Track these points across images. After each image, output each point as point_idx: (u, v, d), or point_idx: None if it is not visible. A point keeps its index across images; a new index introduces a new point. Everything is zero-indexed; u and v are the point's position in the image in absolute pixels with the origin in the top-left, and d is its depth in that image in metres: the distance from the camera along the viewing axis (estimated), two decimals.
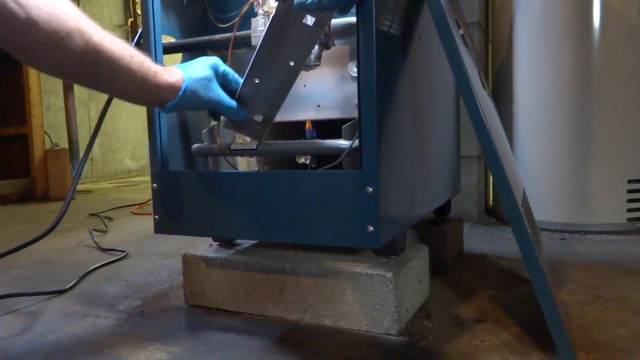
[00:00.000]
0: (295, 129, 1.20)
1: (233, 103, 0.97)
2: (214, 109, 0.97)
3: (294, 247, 1.19)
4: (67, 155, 3.83)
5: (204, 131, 1.21)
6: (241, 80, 0.99)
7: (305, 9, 0.84)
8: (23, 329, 1.12)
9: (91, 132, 1.17)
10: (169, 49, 1.19)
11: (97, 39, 0.76)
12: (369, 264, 1.04)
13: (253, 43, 1.03)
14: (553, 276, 1.33)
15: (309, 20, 0.93)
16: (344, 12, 0.88)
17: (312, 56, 1.03)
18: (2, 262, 1.59)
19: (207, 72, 0.93)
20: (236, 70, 1.02)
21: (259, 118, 1.01)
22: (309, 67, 1.05)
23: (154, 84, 0.85)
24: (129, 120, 5.68)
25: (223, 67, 0.97)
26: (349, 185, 0.92)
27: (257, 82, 0.99)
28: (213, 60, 0.96)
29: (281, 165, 1.31)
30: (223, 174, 1.07)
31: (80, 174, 1.67)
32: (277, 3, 0.93)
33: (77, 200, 3.51)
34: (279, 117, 1.23)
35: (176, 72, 0.89)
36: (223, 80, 0.98)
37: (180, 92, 0.88)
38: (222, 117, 1.05)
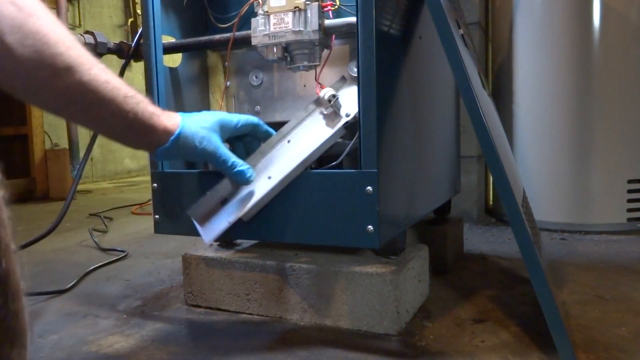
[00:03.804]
0: None
1: (232, 158, 0.88)
2: (209, 161, 0.88)
3: (294, 247, 1.19)
4: (67, 155, 3.83)
5: None
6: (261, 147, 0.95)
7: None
8: None
9: (91, 132, 1.17)
10: (169, 49, 1.19)
11: (87, 78, 0.68)
12: (369, 264, 1.04)
13: (253, 43, 1.03)
14: (553, 276, 1.33)
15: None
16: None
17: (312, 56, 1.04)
18: None
19: (209, 122, 0.86)
20: (236, 70, 1.02)
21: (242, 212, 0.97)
22: (309, 67, 1.05)
23: (148, 126, 0.78)
24: None
25: (235, 122, 0.91)
26: (348, 185, 0.92)
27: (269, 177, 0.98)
28: (221, 115, 0.90)
29: None
30: (220, 173, 1.06)
31: (80, 174, 1.67)
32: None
33: (77, 200, 3.51)
34: (279, 117, 1.23)
35: (174, 116, 0.83)
36: (231, 137, 0.92)
37: (173, 137, 0.80)
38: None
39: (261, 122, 0.98)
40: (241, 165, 0.89)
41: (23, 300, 0.43)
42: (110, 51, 1.97)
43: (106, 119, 0.74)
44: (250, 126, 0.96)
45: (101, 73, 0.70)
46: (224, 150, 0.87)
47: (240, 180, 0.91)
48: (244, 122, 0.94)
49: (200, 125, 0.84)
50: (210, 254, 1.18)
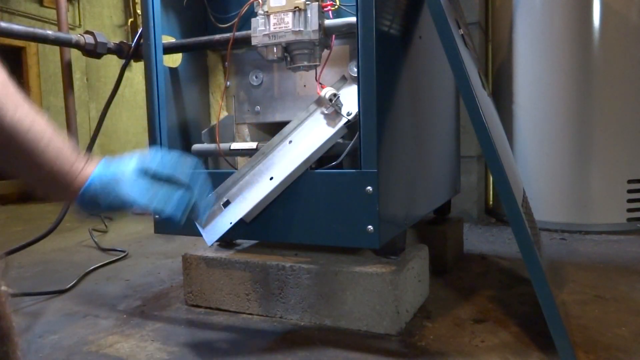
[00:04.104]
0: None
1: (154, 204, 0.75)
2: (122, 212, 0.75)
3: (294, 247, 1.19)
4: None
5: (204, 131, 1.21)
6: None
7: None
8: (23, 329, 1.12)
9: (91, 132, 1.17)
10: (169, 49, 1.19)
11: (7, 121, 0.63)
12: (369, 264, 1.04)
13: (253, 43, 1.03)
14: (553, 276, 1.33)
15: None
16: None
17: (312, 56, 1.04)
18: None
19: (120, 169, 0.72)
20: (236, 70, 1.02)
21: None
22: (309, 67, 1.05)
23: (66, 175, 0.69)
24: (129, 120, 5.68)
25: (156, 164, 0.76)
26: (348, 185, 0.92)
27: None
28: (143, 161, 0.74)
29: None
30: (223, 173, 1.07)
31: None
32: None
33: None
34: (279, 117, 1.23)
35: (90, 166, 0.72)
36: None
37: (82, 189, 0.70)
38: None
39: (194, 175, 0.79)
40: (170, 210, 0.76)
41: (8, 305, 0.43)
42: (110, 51, 1.97)
43: (20, 169, 0.68)
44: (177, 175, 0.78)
45: (24, 118, 0.64)
46: (140, 199, 0.73)
47: (174, 220, 0.78)
48: (166, 174, 0.77)
49: (107, 175, 0.71)
50: (210, 254, 1.18)
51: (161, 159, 0.77)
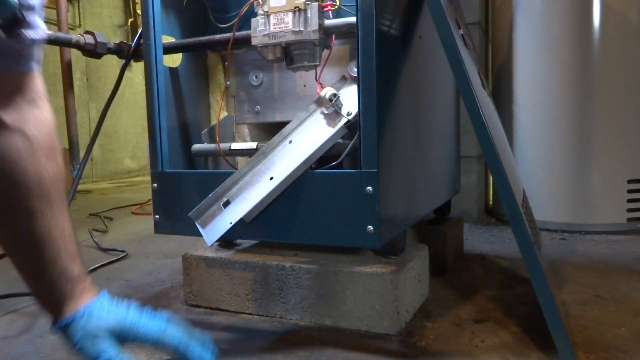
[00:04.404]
0: None
1: None
2: None
3: (294, 247, 1.19)
4: (67, 155, 3.82)
5: (203, 131, 1.21)
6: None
7: None
8: (23, 329, 1.12)
9: (91, 132, 1.17)
10: (169, 49, 1.19)
11: (37, 230, 0.64)
12: (369, 264, 1.04)
13: (253, 43, 1.03)
14: (553, 276, 1.33)
15: None
16: None
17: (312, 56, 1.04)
18: (2, 262, 1.59)
19: (105, 324, 0.69)
20: (236, 70, 1.02)
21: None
22: (309, 67, 1.05)
23: (60, 296, 0.68)
24: (129, 120, 5.69)
25: (139, 337, 0.72)
26: (348, 185, 0.92)
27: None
28: (126, 323, 0.70)
29: None
30: (223, 174, 1.07)
31: (80, 174, 1.67)
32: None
33: (77, 200, 3.51)
34: (279, 117, 1.23)
35: (86, 296, 0.70)
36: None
37: (60, 321, 0.67)
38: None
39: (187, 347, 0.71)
40: None
41: None
42: (110, 51, 1.98)
43: (20, 262, 0.68)
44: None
45: (54, 228, 0.65)
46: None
47: None
48: (152, 339, 0.73)
49: (94, 327, 0.68)
50: (210, 254, 1.18)
51: (145, 334, 0.72)
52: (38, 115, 0.65)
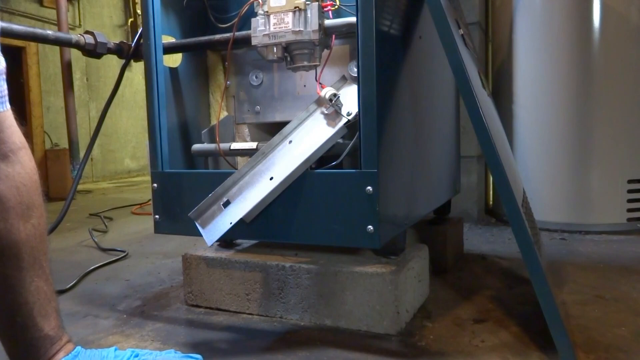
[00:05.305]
0: None
1: None
2: None
3: (294, 247, 1.19)
4: (67, 156, 3.83)
5: (204, 131, 1.21)
6: None
7: None
8: None
9: (91, 132, 1.17)
10: (169, 49, 1.19)
11: (21, 298, 0.64)
12: (369, 264, 1.04)
13: (253, 43, 1.03)
14: (553, 276, 1.33)
15: None
16: None
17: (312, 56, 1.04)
18: None
19: None
20: (236, 70, 1.02)
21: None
22: (309, 67, 1.05)
23: (34, 355, 0.67)
24: (129, 120, 5.69)
25: None
26: (348, 185, 0.92)
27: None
28: None
29: None
30: (223, 174, 1.07)
31: (80, 174, 1.67)
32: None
33: (77, 200, 3.51)
34: (279, 117, 1.23)
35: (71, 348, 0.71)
36: None
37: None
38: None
39: None
40: None
41: None
42: (110, 51, 1.98)
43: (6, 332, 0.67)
44: None
45: (36, 292, 0.64)
46: None
47: None
48: None
49: None
50: (210, 254, 1.18)
51: None
52: (10, 173, 0.60)
